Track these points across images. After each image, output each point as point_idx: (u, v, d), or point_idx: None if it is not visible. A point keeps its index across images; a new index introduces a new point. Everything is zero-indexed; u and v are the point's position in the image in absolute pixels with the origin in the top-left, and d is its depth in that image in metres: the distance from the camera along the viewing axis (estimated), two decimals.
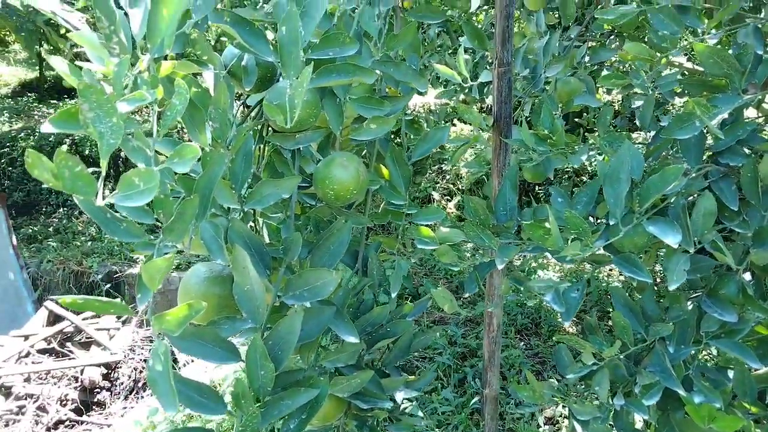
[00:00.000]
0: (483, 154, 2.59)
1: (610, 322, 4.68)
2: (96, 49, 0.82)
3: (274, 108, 1.03)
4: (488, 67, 3.62)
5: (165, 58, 0.92)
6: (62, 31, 7.70)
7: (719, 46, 1.35)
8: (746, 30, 1.48)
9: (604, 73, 2.97)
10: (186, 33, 0.96)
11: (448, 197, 6.78)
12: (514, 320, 4.57)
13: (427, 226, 1.43)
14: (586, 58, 2.65)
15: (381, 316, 1.26)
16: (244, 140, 1.06)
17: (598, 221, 1.51)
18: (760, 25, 1.47)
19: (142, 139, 0.82)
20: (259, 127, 1.20)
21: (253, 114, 1.20)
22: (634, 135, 7.24)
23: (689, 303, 1.57)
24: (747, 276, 1.66)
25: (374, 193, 1.44)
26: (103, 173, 0.72)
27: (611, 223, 1.37)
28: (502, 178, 2.34)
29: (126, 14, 0.88)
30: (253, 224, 1.28)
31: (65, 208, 7.38)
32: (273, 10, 1.12)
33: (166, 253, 0.89)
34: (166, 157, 0.88)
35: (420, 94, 1.39)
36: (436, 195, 6.81)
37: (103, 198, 0.71)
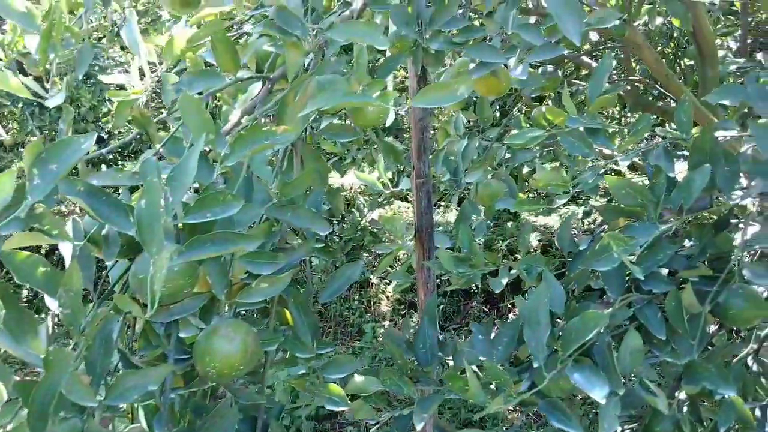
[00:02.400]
0: (409, 262, 2.49)
1: None
2: None
3: (140, 285, 0.89)
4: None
5: None
6: None
7: (629, 178, 1.31)
8: (657, 151, 1.46)
9: (525, 170, 2.98)
10: (20, 218, 0.81)
11: (387, 282, 6.67)
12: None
13: (336, 381, 1.29)
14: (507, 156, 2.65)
15: None
16: (104, 323, 0.91)
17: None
18: (670, 147, 1.45)
19: None
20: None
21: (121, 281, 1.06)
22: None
23: None
24: (683, 395, 1.58)
25: None
26: None
27: (535, 366, 1.27)
28: (427, 290, 2.24)
29: None
30: None
31: None
32: (140, 169, 0.99)
33: None
34: None
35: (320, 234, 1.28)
36: (374, 279, 6.69)
37: None
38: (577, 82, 3.64)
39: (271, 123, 1.32)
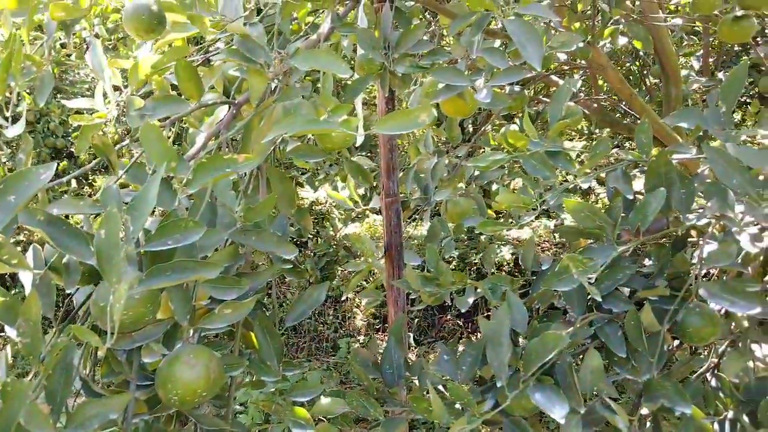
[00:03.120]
0: (381, 279, 2.51)
1: None
2: None
3: (101, 313, 0.90)
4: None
5: None
6: None
7: (589, 202, 1.34)
8: (615, 174, 1.50)
9: (494, 188, 3.02)
10: None
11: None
12: None
13: (303, 404, 1.29)
14: (476, 173, 2.68)
15: None
16: (64, 352, 0.90)
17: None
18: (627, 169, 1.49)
19: None
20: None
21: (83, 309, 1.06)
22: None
23: None
24: (646, 411, 1.62)
25: None
26: None
27: (498, 385, 1.29)
28: (398, 307, 2.26)
29: None
30: None
31: None
32: (101, 197, 1.00)
33: None
34: None
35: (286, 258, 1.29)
36: (350, 294, 6.68)
37: None
38: (547, 100, 3.71)
39: (235, 148, 1.33)
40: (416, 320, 5.97)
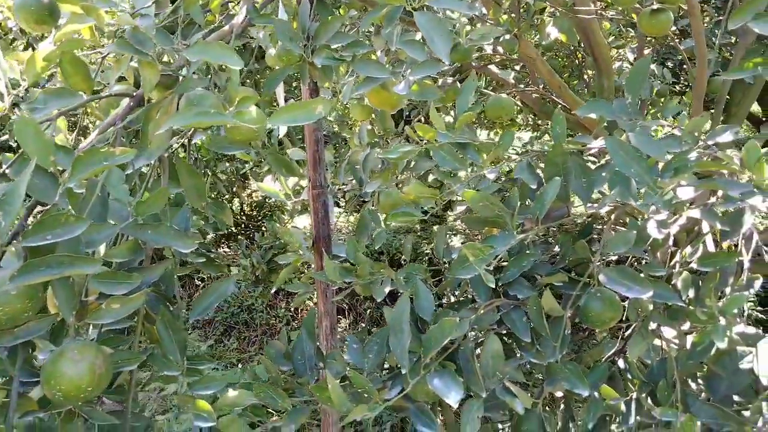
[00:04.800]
0: (309, 273, 2.51)
1: None
2: None
3: None
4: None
5: None
6: None
7: (488, 192, 1.37)
8: (521, 165, 1.53)
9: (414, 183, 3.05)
10: None
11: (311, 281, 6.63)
12: None
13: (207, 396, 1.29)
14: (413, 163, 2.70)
15: None
16: None
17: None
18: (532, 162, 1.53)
19: None
20: None
21: None
22: None
23: None
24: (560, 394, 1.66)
25: None
26: None
27: (403, 372, 1.31)
28: (326, 299, 2.27)
29: None
30: None
31: None
32: None
33: None
34: None
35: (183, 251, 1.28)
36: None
37: None
38: (485, 91, 3.75)
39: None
40: (368, 311, 6.00)
